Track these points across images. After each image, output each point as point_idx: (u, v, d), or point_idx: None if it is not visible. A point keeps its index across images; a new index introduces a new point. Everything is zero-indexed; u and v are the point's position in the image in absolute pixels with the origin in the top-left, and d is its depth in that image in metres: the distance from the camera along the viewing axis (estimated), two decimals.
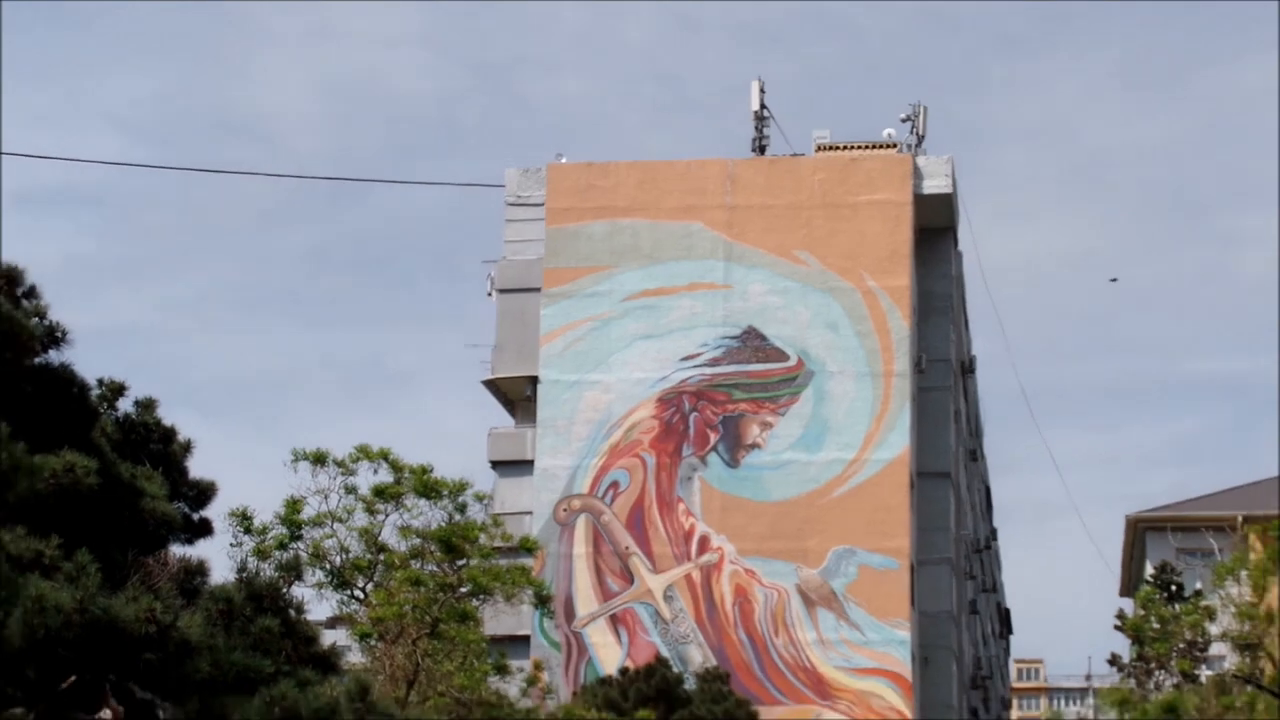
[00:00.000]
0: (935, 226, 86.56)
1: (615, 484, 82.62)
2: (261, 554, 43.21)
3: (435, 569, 44.64)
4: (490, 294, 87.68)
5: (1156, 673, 66.24)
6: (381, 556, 45.28)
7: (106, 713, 29.62)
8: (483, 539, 46.02)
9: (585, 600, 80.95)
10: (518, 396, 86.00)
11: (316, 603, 43.81)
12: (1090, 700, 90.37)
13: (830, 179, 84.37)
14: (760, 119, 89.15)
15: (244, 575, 35.96)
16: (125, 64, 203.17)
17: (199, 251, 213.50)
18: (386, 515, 45.38)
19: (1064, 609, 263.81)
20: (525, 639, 68.78)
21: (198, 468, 33.30)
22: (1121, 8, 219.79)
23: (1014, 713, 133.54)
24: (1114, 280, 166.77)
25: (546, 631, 74.56)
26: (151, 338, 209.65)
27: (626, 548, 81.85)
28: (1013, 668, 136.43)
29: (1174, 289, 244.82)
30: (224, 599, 29.99)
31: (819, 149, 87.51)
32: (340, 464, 45.27)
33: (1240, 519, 73.86)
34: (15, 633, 25.79)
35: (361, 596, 45.52)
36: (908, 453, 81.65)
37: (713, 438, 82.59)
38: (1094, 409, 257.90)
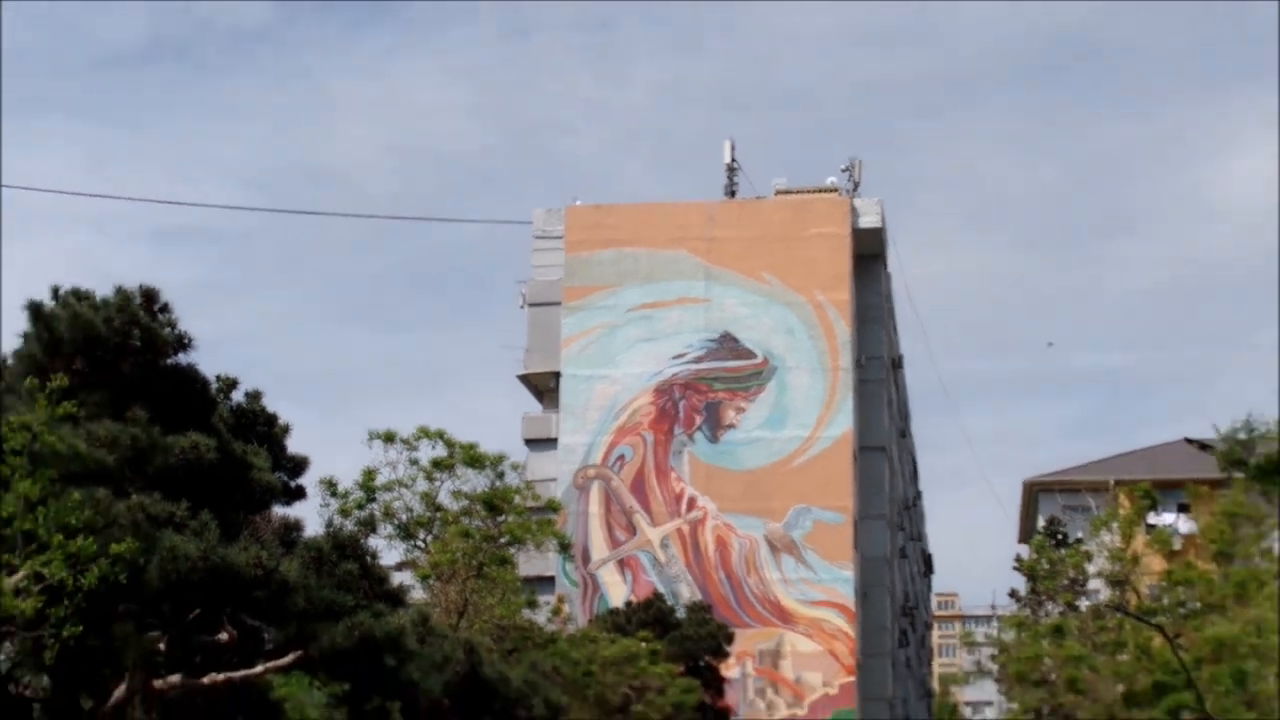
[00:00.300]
0: (869, 253, 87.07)
1: (622, 457, 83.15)
2: (344, 513, 43.61)
3: (480, 524, 44.93)
4: (522, 307, 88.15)
5: (1046, 603, 66.50)
6: (438, 514, 45.48)
7: (223, 636, 30.46)
8: (517, 500, 46.56)
9: (598, 548, 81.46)
10: (544, 388, 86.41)
11: (387, 551, 43.82)
12: (995, 624, 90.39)
13: (787, 217, 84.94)
14: (732, 170, 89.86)
15: (330, 530, 36.96)
16: (239, 128, 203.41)
17: (293, 274, 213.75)
18: (441, 482, 45.53)
19: (974, 554, 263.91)
20: (550, 579, 69.36)
21: (294, 445, 34.10)
22: (1011, 82, 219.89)
23: (935, 634, 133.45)
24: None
25: (568, 573, 75.04)
26: (257, 343, 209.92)
27: (630, 507, 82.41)
28: (933, 600, 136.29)
29: (1056, 300, 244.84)
30: (315, 548, 30.83)
31: (778, 193, 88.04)
32: (405, 441, 45.18)
33: (1112, 482, 74.13)
34: (154, 576, 26.69)
35: (422, 546, 45.68)
36: (851, 431, 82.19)
37: (698, 419, 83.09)
38: (997, 396, 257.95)
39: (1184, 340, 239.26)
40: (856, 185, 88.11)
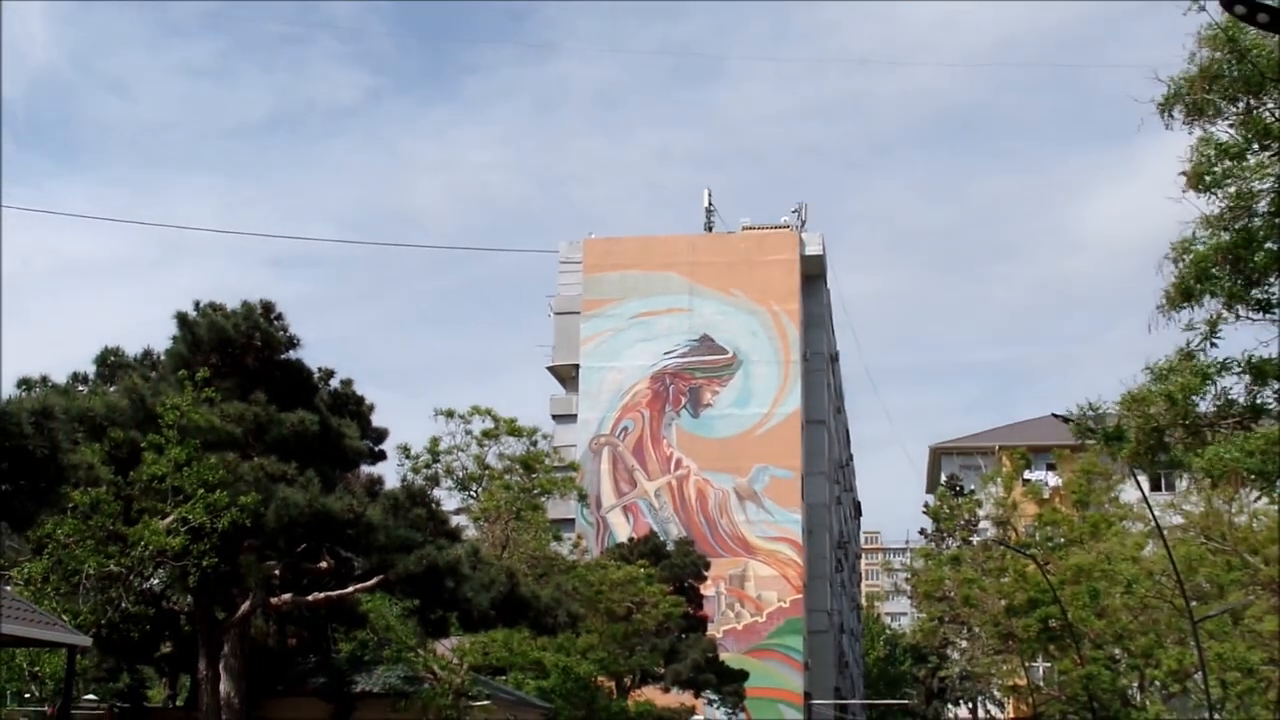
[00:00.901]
0: (813, 274, 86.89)
1: (625, 429, 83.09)
2: (415, 471, 43.53)
3: (518, 479, 44.73)
4: (550, 315, 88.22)
5: (947, 539, 66.46)
6: (486, 472, 45.20)
7: (324, 565, 30.48)
8: (546, 461, 46.38)
9: (607, 497, 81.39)
10: (567, 376, 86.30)
11: (447, 500, 43.45)
12: (908, 555, 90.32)
13: (751, 246, 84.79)
14: (709, 211, 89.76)
15: (404, 484, 36.90)
16: (337, 180, 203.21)
17: (379, 292, 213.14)
18: (489, 447, 45.27)
19: (893, 501, 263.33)
20: (571, 521, 69.32)
21: (377, 420, 34.22)
22: (919, 143, 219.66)
23: (863, 563, 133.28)
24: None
25: (584, 516, 74.92)
26: (350, 344, 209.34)
27: (632, 466, 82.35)
28: (862, 537, 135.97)
29: (954, 309, 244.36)
30: (392, 498, 30.91)
31: (744, 229, 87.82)
32: (462, 417, 45.03)
33: (997, 448, 74.29)
34: (271, 519, 26.75)
35: (474, 496, 45.51)
36: (799, 409, 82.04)
37: (683, 400, 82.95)
38: (911, 381, 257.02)
39: (1052, 340, 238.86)
40: (804, 222, 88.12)
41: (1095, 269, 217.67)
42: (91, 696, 37.83)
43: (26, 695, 35.66)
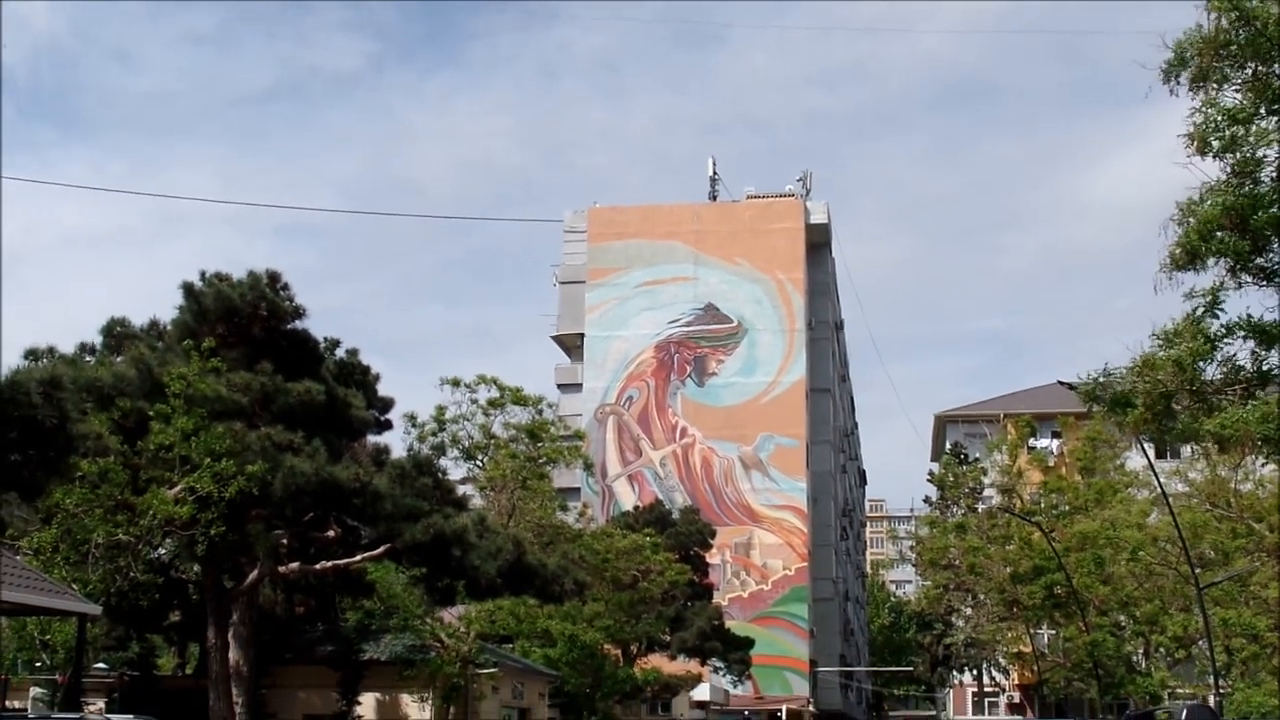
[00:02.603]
0: (818, 242, 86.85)
1: (631, 397, 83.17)
2: (421, 440, 43.54)
3: (524, 448, 44.59)
4: (555, 284, 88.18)
5: (952, 506, 66.51)
6: (492, 441, 45.14)
7: (331, 533, 30.57)
8: (552, 430, 46.21)
9: (613, 466, 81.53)
10: (572, 346, 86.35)
11: (454, 469, 43.62)
12: (913, 523, 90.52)
13: (755, 215, 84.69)
14: (713, 180, 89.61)
15: (411, 453, 36.90)
16: (339, 150, 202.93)
17: (381, 262, 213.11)
18: (495, 417, 45.26)
19: (897, 469, 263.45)
20: (577, 490, 69.43)
21: (383, 390, 34.17)
22: (925, 111, 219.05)
23: (867, 531, 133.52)
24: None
25: (590, 485, 74.98)
26: (355, 313, 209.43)
27: (637, 435, 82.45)
28: (867, 504, 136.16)
29: (960, 277, 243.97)
30: (399, 467, 30.90)
31: (748, 197, 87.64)
32: (468, 386, 45.00)
33: (1002, 415, 74.24)
34: (279, 488, 26.80)
35: (480, 465, 45.42)
36: (804, 377, 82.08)
37: (688, 369, 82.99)
38: (915, 350, 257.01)
39: (1059, 307, 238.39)
40: (808, 191, 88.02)
41: (1101, 236, 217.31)
42: (101, 665, 38.02)
43: (38, 664, 35.92)
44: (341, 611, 37.60)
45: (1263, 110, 13.72)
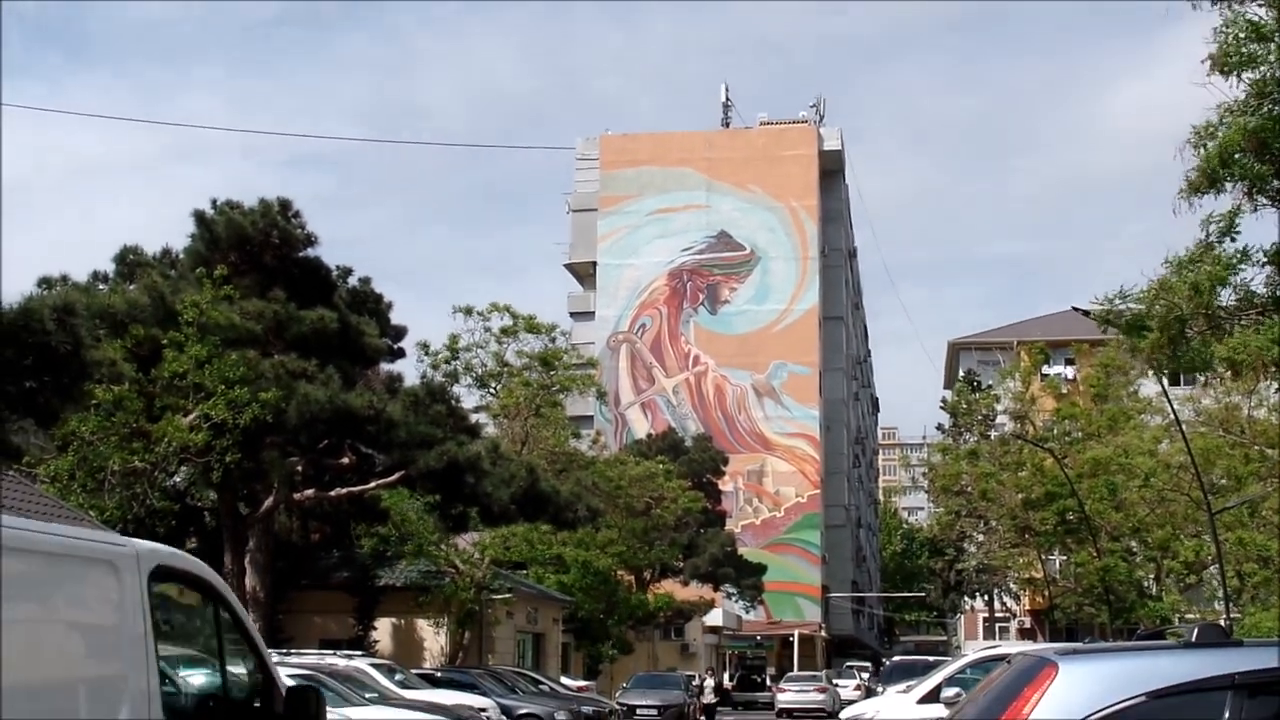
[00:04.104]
0: (832, 169, 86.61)
1: (644, 325, 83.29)
2: (434, 368, 43.71)
3: (537, 376, 44.84)
4: (568, 212, 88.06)
5: (964, 433, 66.35)
6: (505, 369, 45.41)
7: (345, 460, 30.71)
8: (565, 358, 46.51)
9: (626, 394, 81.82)
10: (585, 274, 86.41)
11: (467, 397, 43.65)
12: (925, 450, 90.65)
13: (769, 142, 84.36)
14: (726, 106, 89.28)
15: (424, 380, 37.04)
16: (350, 76, 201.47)
17: (395, 190, 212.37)
18: (508, 345, 45.48)
19: (910, 397, 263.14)
20: (590, 417, 69.58)
21: (396, 318, 34.16)
22: (939, 33, 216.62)
23: (880, 458, 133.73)
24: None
25: (603, 413, 75.12)
26: (368, 242, 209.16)
27: (650, 363, 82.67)
28: (879, 432, 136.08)
29: (974, 203, 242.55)
30: (413, 394, 31.04)
31: (761, 124, 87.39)
32: (481, 314, 45.20)
33: (1015, 342, 73.96)
34: (293, 415, 26.90)
35: (493, 393, 45.68)
36: (816, 305, 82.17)
37: (701, 297, 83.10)
38: (929, 277, 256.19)
39: (1072, 233, 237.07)
40: (822, 117, 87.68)
41: (1117, 161, 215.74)
42: None
43: None
44: (356, 538, 37.87)
45: None
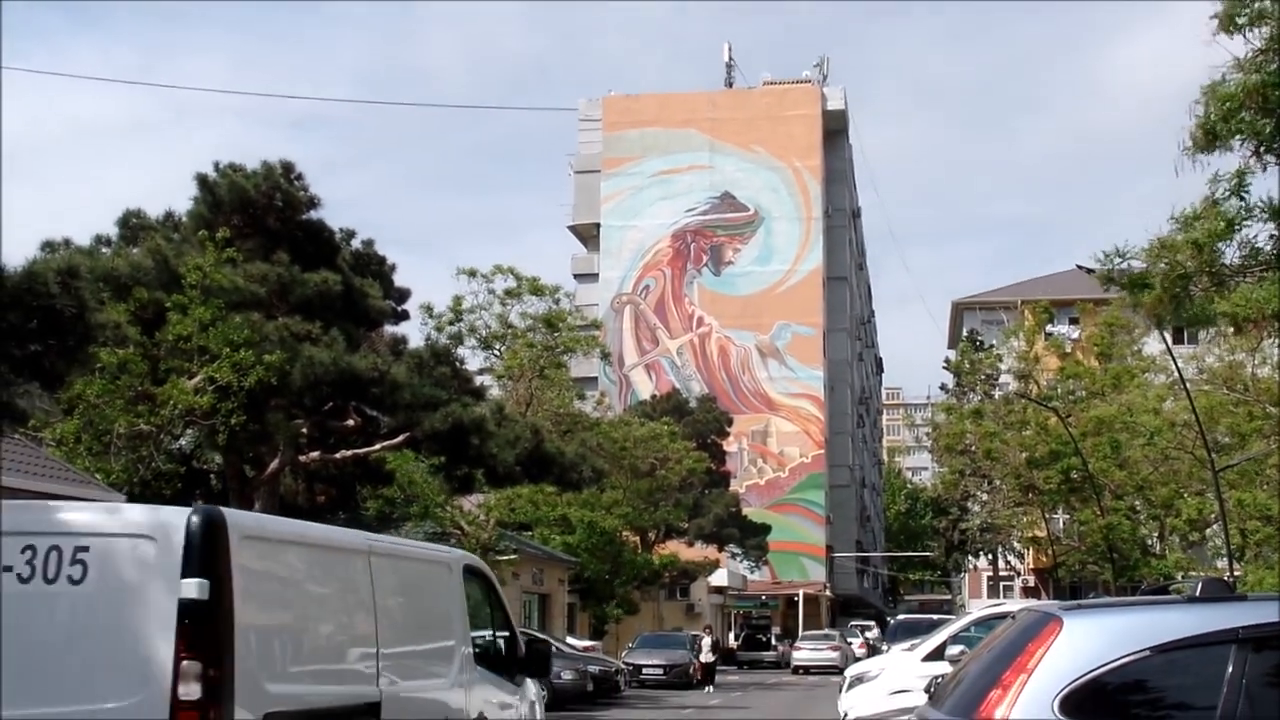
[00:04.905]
0: (835, 129, 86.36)
1: (647, 287, 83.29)
2: (438, 330, 43.66)
3: (541, 338, 44.84)
4: (571, 173, 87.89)
5: (968, 393, 66.41)
6: (509, 331, 45.36)
7: (350, 423, 30.75)
8: (569, 320, 46.42)
9: (630, 355, 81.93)
10: (588, 235, 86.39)
11: (471, 358, 43.81)
12: (929, 410, 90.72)
13: (772, 102, 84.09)
14: (729, 66, 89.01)
15: (428, 343, 37.04)
16: (350, 37, 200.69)
17: (396, 152, 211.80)
18: (512, 306, 45.43)
19: (914, 357, 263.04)
20: (594, 379, 69.81)
21: (399, 280, 34.06)
22: None
23: (884, 418, 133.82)
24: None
25: (607, 374, 75.40)
26: (370, 204, 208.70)
27: (654, 324, 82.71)
28: (883, 392, 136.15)
29: (979, 162, 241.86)
30: (417, 356, 31.05)
31: (765, 84, 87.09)
32: (484, 276, 45.13)
33: (1019, 301, 73.91)
34: (297, 377, 26.90)
35: (498, 354, 45.70)
36: (820, 265, 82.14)
37: (704, 258, 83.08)
38: (933, 237, 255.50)
39: (1078, 192, 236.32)
40: (826, 77, 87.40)
41: (1124, 120, 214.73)
42: None
43: None
44: (362, 500, 37.98)
45: None
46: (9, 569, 6.98)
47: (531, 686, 11.56)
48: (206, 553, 6.94)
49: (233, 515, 7.47)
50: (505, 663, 10.80)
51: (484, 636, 10.68)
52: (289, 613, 7.89)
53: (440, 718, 9.37)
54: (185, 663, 6.72)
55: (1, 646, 6.83)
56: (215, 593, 6.91)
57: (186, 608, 6.84)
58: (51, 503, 8.92)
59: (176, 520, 7.15)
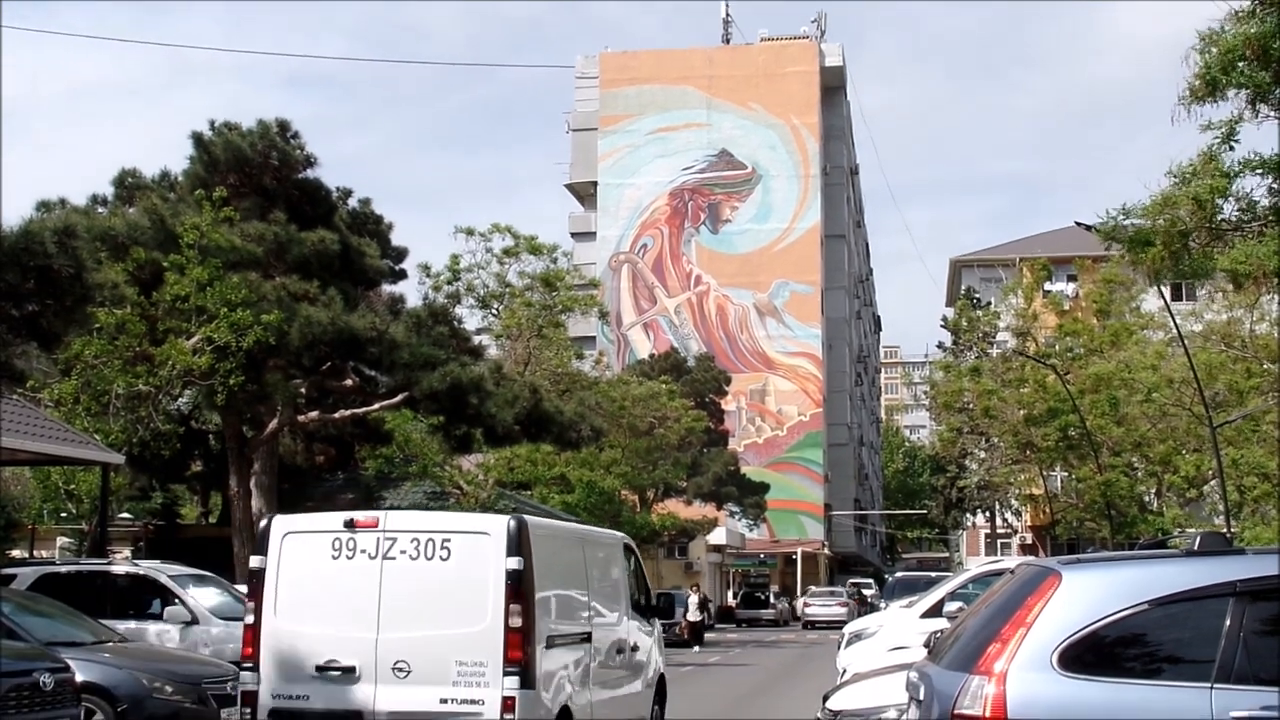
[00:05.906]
0: (833, 85, 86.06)
1: (645, 245, 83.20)
2: (436, 289, 43.67)
3: (539, 297, 44.85)
4: (567, 131, 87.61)
5: (966, 351, 66.35)
6: (507, 290, 45.35)
7: (348, 382, 30.77)
8: (567, 279, 46.44)
9: (628, 314, 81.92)
10: (585, 194, 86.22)
11: (469, 318, 43.92)
12: (927, 368, 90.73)
13: (769, 59, 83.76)
14: (727, 23, 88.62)
15: (426, 302, 37.02)
16: None
17: (392, 110, 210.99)
18: (509, 265, 45.39)
19: (912, 315, 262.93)
20: (592, 338, 69.67)
21: (396, 239, 34.08)
22: None
23: (882, 377, 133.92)
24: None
25: (605, 333, 75.25)
26: (366, 162, 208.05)
27: (652, 283, 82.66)
28: (881, 350, 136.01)
29: (978, 119, 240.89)
30: (415, 316, 31.02)
31: (762, 40, 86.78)
32: (482, 235, 45.09)
33: (1018, 259, 73.79)
34: (295, 337, 26.90)
35: (495, 314, 45.69)
36: (818, 223, 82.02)
37: (702, 216, 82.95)
38: (931, 194, 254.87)
39: (1077, 150, 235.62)
40: (823, 33, 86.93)
41: (1123, 74, 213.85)
42: (126, 515, 38.66)
43: (63, 514, 36.52)
44: (361, 460, 38.06)
45: None
46: (403, 553, 11.24)
47: (657, 624, 15.78)
48: (519, 543, 11.14)
49: (532, 521, 11.66)
50: (644, 609, 15.06)
51: (633, 591, 14.72)
52: (556, 578, 12.08)
53: (617, 640, 13.78)
54: (511, 604, 10.93)
55: (405, 597, 11.16)
56: (525, 566, 11.10)
57: (510, 574, 11.02)
58: (428, 513, 14.73)
59: (501, 524, 11.31)
